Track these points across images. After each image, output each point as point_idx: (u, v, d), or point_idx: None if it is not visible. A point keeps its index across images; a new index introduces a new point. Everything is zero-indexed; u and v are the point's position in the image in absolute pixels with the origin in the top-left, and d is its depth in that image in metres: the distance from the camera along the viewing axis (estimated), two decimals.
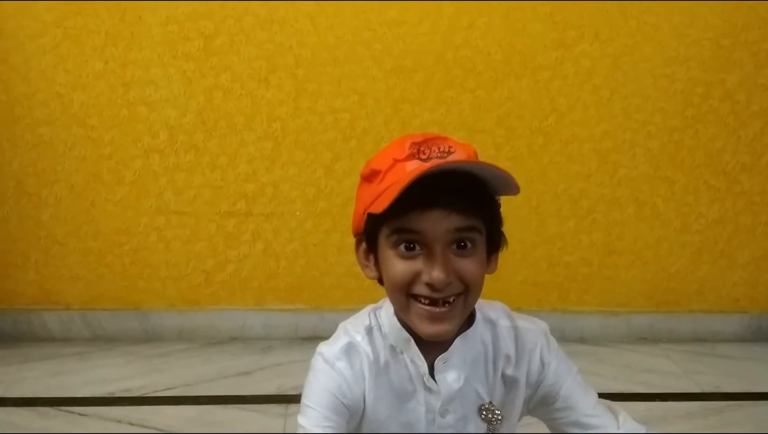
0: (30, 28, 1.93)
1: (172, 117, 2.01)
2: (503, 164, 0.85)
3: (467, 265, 0.78)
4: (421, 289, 0.78)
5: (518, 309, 0.97)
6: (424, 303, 0.79)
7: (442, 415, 0.88)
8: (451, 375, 0.86)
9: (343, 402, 0.84)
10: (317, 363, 0.86)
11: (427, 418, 0.88)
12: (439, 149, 0.78)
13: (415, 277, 0.78)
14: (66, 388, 1.86)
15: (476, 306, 0.87)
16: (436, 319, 0.79)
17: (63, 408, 1.76)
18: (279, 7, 1.94)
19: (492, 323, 0.91)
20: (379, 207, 0.76)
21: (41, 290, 2.12)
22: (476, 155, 0.82)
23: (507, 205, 2.24)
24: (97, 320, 2.15)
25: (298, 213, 2.11)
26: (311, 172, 2.08)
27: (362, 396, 0.85)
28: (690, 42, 2.05)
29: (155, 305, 2.16)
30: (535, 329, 0.92)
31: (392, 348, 0.87)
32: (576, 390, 0.91)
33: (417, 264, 0.78)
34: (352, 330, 0.89)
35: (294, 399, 1.82)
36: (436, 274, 0.76)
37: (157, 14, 1.93)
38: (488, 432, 0.90)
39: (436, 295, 0.78)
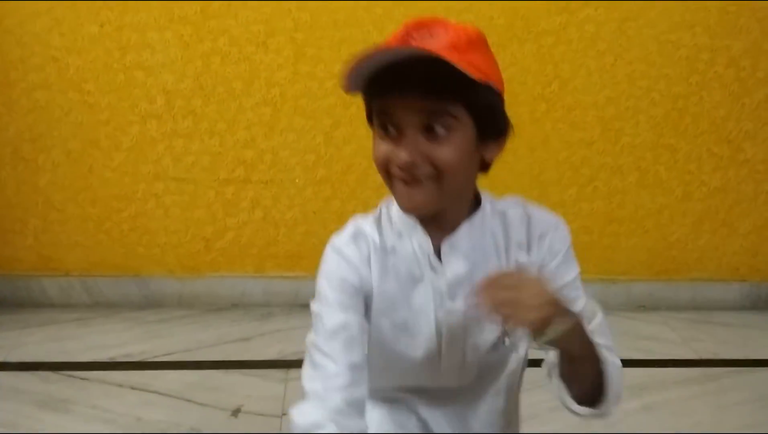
0: None
1: (169, 82, 1.98)
2: None
3: (439, 150, 0.79)
4: (394, 169, 0.81)
5: None
6: (398, 180, 0.82)
7: (452, 298, 0.88)
8: (457, 257, 0.88)
9: (353, 284, 0.87)
10: (327, 252, 0.89)
11: (435, 301, 0.89)
12: (429, 33, 0.78)
13: (389, 157, 0.81)
14: (67, 353, 1.87)
15: (489, 200, 0.90)
16: (410, 194, 0.81)
17: (64, 372, 1.77)
18: None
19: (502, 214, 0.91)
20: (342, 83, 0.78)
21: (40, 257, 2.12)
22: (467, 42, 0.78)
23: (508, 172, 2.20)
24: (96, 286, 2.15)
25: (297, 180, 2.09)
26: (311, 138, 2.06)
27: (370, 279, 0.88)
28: (696, 7, 2.01)
29: (155, 272, 2.16)
30: (550, 218, 0.91)
31: (399, 234, 0.89)
32: (568, 295, 0.88)
33: (391, 145, 0.81)
34: (361, 220, 0.92)
35: (294, 364, 1.83)
36: (400, 155, 0.79)
37: None
38: (503, 328, 0.89)
39: (405, 175, 0.80)
